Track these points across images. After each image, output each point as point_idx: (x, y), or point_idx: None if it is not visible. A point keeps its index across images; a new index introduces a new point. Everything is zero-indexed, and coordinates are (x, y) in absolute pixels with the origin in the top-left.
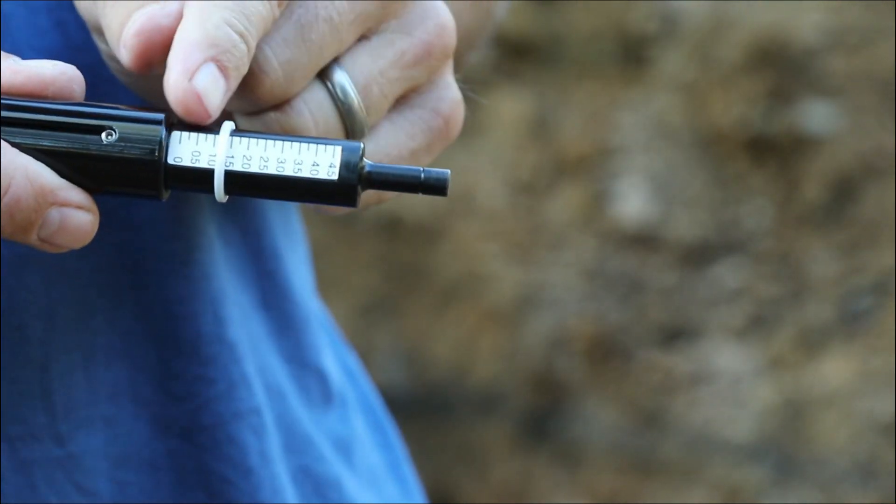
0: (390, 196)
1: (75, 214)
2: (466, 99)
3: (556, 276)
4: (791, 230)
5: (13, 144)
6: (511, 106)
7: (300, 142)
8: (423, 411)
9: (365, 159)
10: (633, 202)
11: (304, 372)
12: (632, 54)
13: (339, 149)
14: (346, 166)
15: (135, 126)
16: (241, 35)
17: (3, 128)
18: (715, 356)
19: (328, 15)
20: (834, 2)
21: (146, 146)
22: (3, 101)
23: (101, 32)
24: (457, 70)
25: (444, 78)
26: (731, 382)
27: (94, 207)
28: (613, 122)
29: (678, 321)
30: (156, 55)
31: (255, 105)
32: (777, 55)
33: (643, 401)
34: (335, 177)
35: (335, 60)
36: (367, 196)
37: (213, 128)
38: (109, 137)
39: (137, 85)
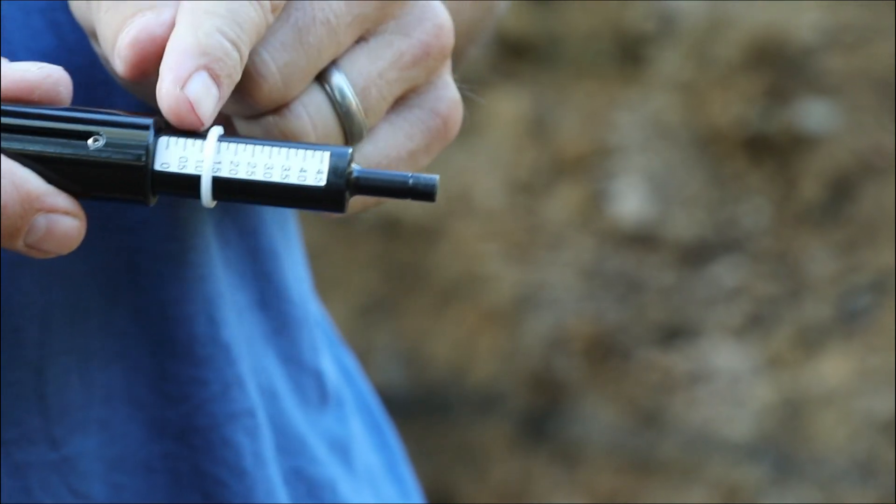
0: (381, 201)
1: (62, 220)
2: (465, 99)
3: (555, 275)
4: (789, 229)
5: None
6: (509, 106)
7: (288, 147)
8: (421, 411)
9: (353, 165)
10: (631, 202)
11: (300, 372)
12: (629, 54)
13: (327, 154)
14: (333, 172)
15: (122, 131)
16: (233, 42)
17: None
18: (713, 355)
19: (325, 17)
20: (831, 1)
21: (133, 152)
22: None
23: (96, 36)
24: (457, 65)
25: (442, 78)
26: (729, 381)
27: (81, 213)
28: (611, 121)
29: (676, 320)
30: (150, 65)
31: (253, 109)
32: (775, 54)
33: (642, 400)
34: (323, 183)
35: (333, 63)
36: (357, 201)
37: (200, 133)
38: (96, 143)
39: (133, 87)
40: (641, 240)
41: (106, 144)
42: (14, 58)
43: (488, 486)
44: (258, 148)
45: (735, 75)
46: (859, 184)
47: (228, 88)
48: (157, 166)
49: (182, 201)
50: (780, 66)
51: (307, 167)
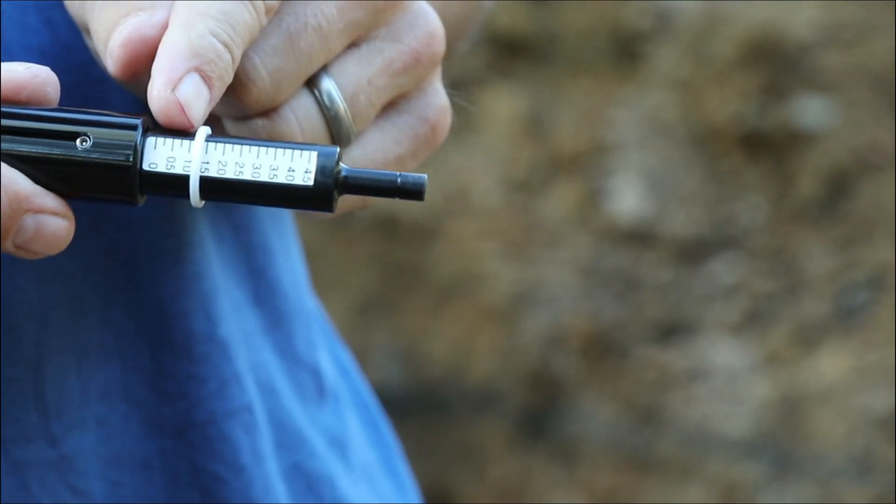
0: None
1: (51, 221)
2: (455, 104)
3: (552, 273)
4: (786, 226)
5: None
6: (506, 104)
7: (276, 147)
8: (419, 410)
9: (341, 164)
10: (628, 199)
11: (297, 368)
12: (626, 51)
13: (314, 154)
14: (321, 171)
15: (110, 132)
16: (226, 45)
17: None
18: (711, 352)
19: (317, 24)
20: None
21: (121, 152)
22: None
23: (89, 32)
24: (446, 61)
25: (432, 85)
26: (727, 379)
27: (70, 213)
28: (608, 119)
29: (674, 318)
30: (141, 65)
31: (242, 111)
32: (771, 51)
33: (640, 397)
34: (311, 182)
35: (323, 68)
36: (347, 201)
37: (189, 133)
38: (84, 144)
39: (128, 83)
40: (639, 237)
41: (94, 145)
42: (9, 55)
43: (487, 484)
44: (246, 148)
45: (732, 72)
46: (856, 180)
47: (220, 90)
48: (146, 166)
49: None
50: (776, 63)
51: (295, 167)
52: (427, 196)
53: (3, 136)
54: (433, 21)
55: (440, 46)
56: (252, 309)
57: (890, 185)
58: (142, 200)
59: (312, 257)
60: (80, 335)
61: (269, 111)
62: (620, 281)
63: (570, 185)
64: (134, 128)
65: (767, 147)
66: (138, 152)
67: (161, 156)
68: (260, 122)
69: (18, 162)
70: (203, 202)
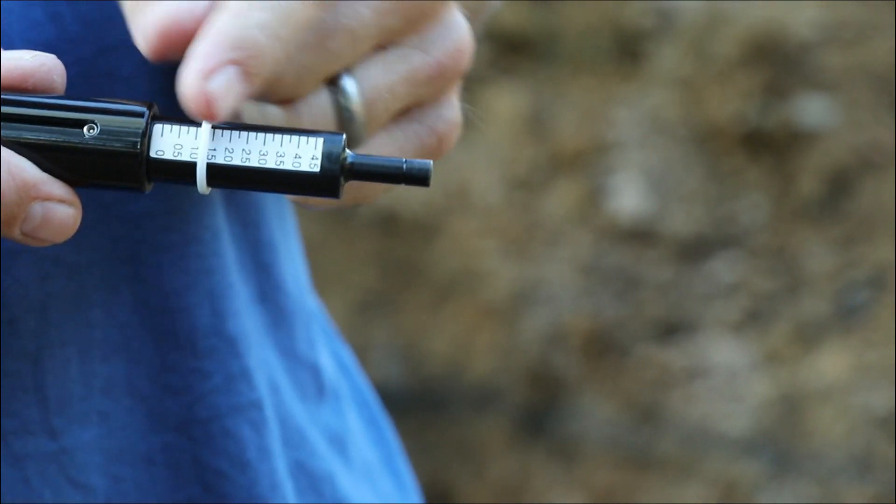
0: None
1: (58, 208)
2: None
3: (553, 271)
4: (787, 224)
5: None
6: (507, 102)
7: (282, 133)
8: (419, 407)
9: (347, 150)
10: (629, 197)
11: (297, 365)
12: (627, 50)
13: (320, 140)
14: (328, 158)
15: (117, 119)
16: (275, 39)
17: None
18: (711, 351)
19: (351, 27)
20: None
21: (128, 140)
22: None
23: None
24: None
25: (448, 97)
26: (727, 377)
27: (77, 201)
28: (609, 117)
29: (674, 316)
30: (172, 52)
31: (260, 95)
32: (773, 50)
33: (640, 396)
34: (317, 168)
35: (346, 68)
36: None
37: (195, 120)
38: (91, 131)
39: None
40: (639, 236)
41: (101, 132)
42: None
43: (486, 482)
44: (252, 135)
45: (733, 71)
46: (857, 180)
47: (258, 87)
48: (153, 153)
49: (184, 193)
50: (777, 63)
51: (301, 153)
52: (428, 193)
53: (10, 124)
54: (464, 36)
55: (467, 62)
56: (256, 306)
57: (890, 184)
58: (149, 187)
59: (312, 254)
60: (83, 329)
61: (285, 101)
62: (621, 279)
63: (571, 183)
64: (141, 115)
65: (768, 146)
66: (145, 140)
67: (168, 143)
68: (273, 110)
69: (26, 150)
70: (210, 189)
